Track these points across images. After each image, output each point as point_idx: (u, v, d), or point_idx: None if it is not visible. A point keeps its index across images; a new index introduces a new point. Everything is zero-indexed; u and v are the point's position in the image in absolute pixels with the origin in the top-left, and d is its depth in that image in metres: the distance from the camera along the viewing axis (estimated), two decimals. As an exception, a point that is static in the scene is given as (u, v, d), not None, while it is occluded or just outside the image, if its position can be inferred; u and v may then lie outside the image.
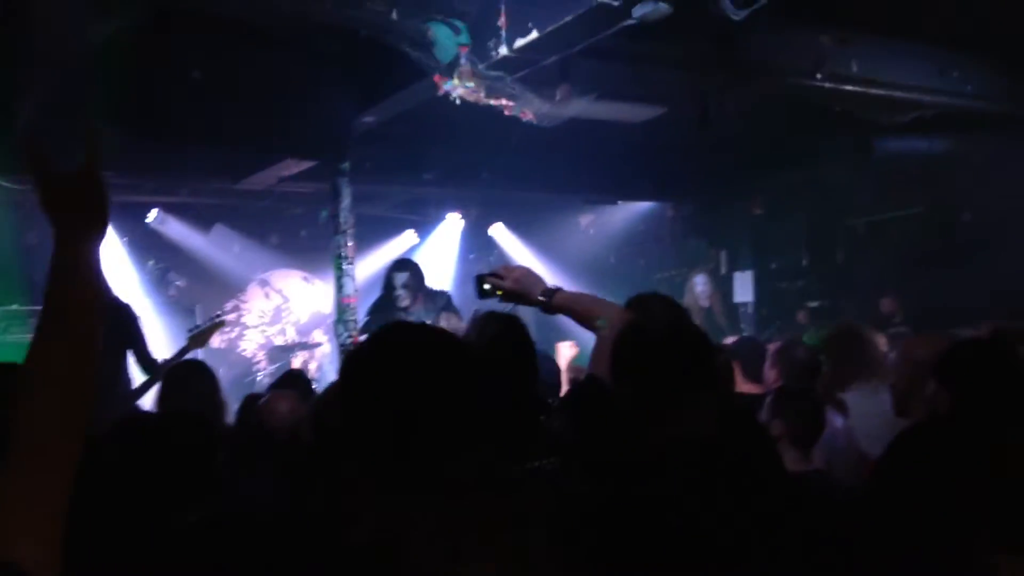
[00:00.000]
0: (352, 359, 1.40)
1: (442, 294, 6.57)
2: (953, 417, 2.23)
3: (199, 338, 5.59)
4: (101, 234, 1.29)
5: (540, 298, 2.48)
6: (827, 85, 5.96)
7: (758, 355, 4.18)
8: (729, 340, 5.47)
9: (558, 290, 2.49)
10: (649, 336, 1.91)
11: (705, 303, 9.35)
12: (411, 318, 6.16)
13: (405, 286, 6.22)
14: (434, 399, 1.28)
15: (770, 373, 3.86)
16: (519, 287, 2.51)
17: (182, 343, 5.82)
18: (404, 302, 6.21)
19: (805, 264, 10.03)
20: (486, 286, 2.56)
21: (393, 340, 1.36)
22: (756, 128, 7.70)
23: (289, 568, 1.51)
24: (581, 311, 2.46)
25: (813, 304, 9.64)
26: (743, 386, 3.97)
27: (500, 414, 1.41)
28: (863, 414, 3.52)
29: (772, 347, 4.07)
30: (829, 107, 6.68)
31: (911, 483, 1.26)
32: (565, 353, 4.96)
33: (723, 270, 10.50)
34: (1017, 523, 1.18)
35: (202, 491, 2.34)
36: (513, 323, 2.62)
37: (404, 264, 6.48)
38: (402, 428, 1.26)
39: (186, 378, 3.98)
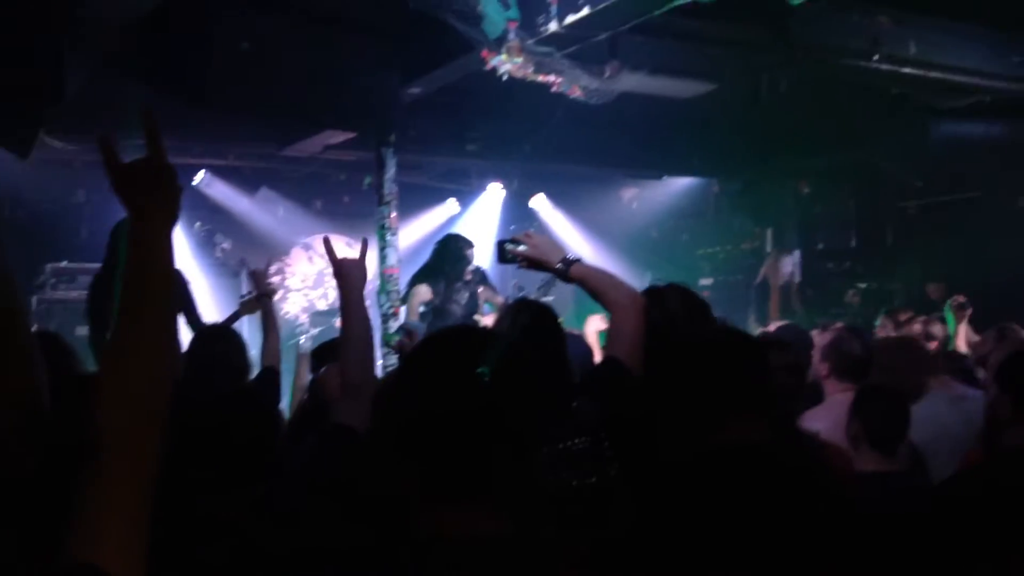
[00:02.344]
0: (416, 360, 1.38)
1: (478, 269, 6.62)
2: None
3: (249, 304, 5.68)
4: (174, 217, 1.34)
5: (558, 266, 2.49)
6: (883, 67, 5.81)
7: (803, 344, 4.08)
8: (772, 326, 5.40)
9: (577, 260, 2.51)
10: (702, 348, 1.89)
11: (784, 281, 9.22)
12: (460, 292, 6.23)
13: (472, 264, 6.35)
14: (497, 409, 1.27)
15: (820, 367, 3.74)
16: (538, 254, 2.53)
17: (231, 305, 5.90)
18: (468, 277, 6.32)
19: (854, 245, 9.87)
20: (507, 252, 2.61)
21: (463, 347, 1.35)
22: (808, 107, 7.54)
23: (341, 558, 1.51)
24: (596, 286, 2.47)
25: (862, 286, 9.50)
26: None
27: (538, 406, 1.40)
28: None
29: (822, 337, 3.92)
30: (885, 89, 6.52)
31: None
32: (594, 327, 4.98)
33: (768, 249, 10.37)
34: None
35: (255, 469, 2.35)
36: (544, 312, 2.69)
37: (471, 242, 6.54)
38: (459, 435, 1.26)
39: (211, 342, 4.03)
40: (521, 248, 2.58)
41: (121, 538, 1.08)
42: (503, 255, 2.65)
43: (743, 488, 1.70)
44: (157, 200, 1.32)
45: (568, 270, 2.49)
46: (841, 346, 3.74)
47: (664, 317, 2.50)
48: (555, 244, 2.62)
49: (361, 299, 2.55)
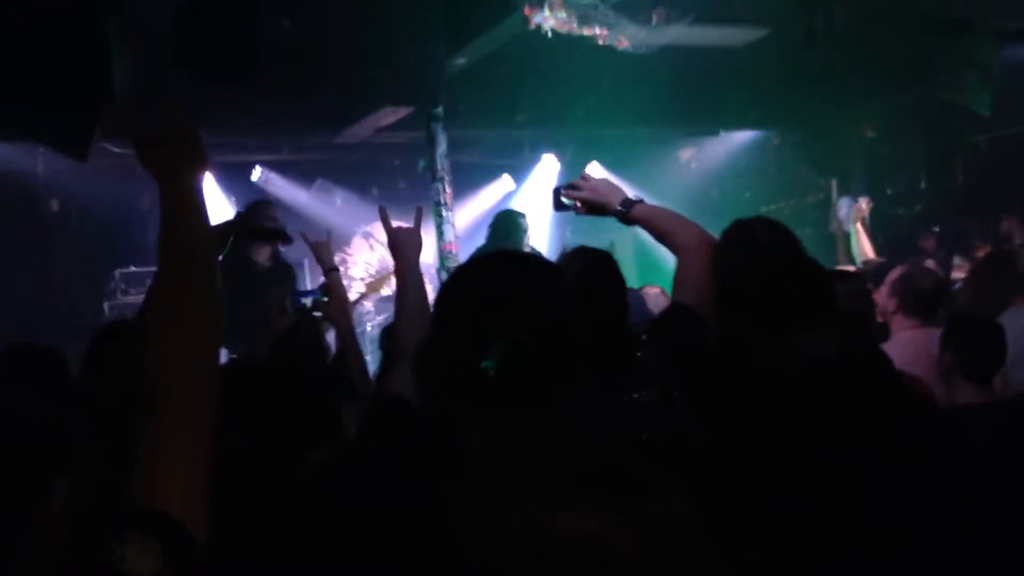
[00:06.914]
0: (456, 280, 1.33)
1: (533, 248, 6.68)
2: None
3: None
4: (199, 175, 1.37)
5: (618, 208, 2.36)
6: (945, -11, 5.55)
7: (879, 275, 3.95)
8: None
9: (639, 201, 2.37)
10: (763, 269, 1.80)
11: (849, 228, 8.94)
12: None
13: (528, 231, 6.39)
14: (541, 322, 1.22)
15: (888, 302, 3.56)
16: (597, 196, 2.42)
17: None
18: (527, 248, 6.35)
19: (924, 187, 9.53)
20: (563, 199, 2.48)
21: (499, 263, 1.29)
22: (867, 45, 7.26)
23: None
24: (660, 227, 2.34)
25: (935, 228, 9.16)
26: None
27: (595, 347, 1.33)
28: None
29: (892, 273, 3.76)
30: (947, 14, 6.23)
31: None
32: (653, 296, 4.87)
33: (835, 199, 10.07)
34: None
35: (312, 437, 2.34)
36: (602, 258, 2.48)
37: (523, 213, 6.59)
38: (508, 350, 1.20)
39: (293, 326, 4.11)
40: (578, 192, 2.47)
41: (182, 486, 1.10)
42: (559, 202, 2.53)
43: (815, 397, 1.62)
44: (178, 160, 1.36)
45: (629, 212, 2.37)
46: (912, 280, 3.58)
47: (750, 255, 2.32)
48: (613, 185, 2.48)
49: (417, 267, 2.53)
